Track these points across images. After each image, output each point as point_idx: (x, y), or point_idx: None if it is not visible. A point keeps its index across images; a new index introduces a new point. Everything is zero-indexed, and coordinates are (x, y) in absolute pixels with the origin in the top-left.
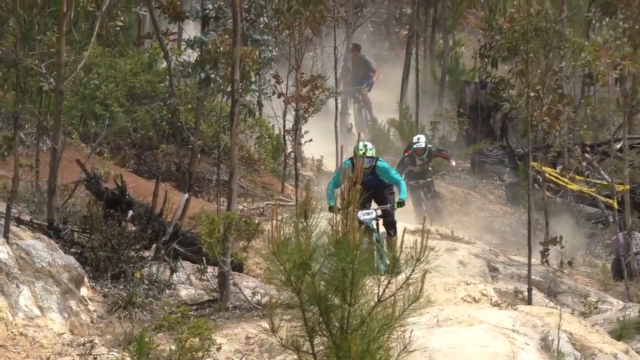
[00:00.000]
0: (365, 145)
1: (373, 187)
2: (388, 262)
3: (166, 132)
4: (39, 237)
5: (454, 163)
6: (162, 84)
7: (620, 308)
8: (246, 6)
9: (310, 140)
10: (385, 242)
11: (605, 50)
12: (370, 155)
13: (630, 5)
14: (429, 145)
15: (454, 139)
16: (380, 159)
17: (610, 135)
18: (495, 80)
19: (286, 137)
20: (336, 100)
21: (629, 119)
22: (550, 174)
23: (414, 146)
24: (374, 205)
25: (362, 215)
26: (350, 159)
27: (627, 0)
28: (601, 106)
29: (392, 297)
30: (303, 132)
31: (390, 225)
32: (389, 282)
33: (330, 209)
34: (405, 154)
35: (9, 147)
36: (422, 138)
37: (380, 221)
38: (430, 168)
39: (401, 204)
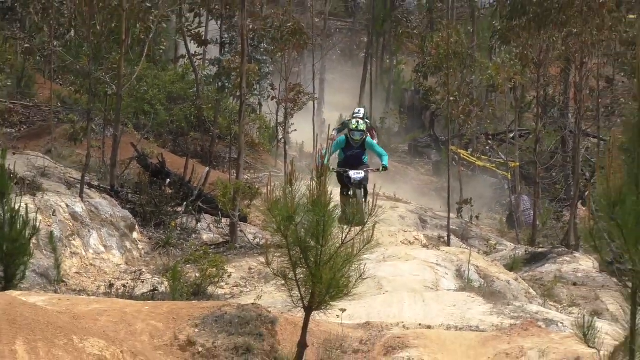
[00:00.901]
0: (357, 122)
1: (356, 160)
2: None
3: (194, 123)
4: (104, 197)
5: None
6: (191, 90)
7: (512, 249)
8: (251, 35)
9: (295, 130)
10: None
11: (503, 68)
12: (362, 129)
13: (519, 37)
14: (367, 120)
15: (397, 130)
16: (368, 135)
17: (506, 128)
18: (426, 88)
19: (278, 127)
20: (314, 102)
21: (519, 116)
22: (463, 155)
23: (354, 116)
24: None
25: (354, 174)
26: (345, 135)
27: (517, 33)
28: (499, 107)
29: (352, 241)
30: (290, 124)
31: (365, 190)
32: (349, 230)
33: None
34: (348, 119)
35: (84, 133)
36: (362, 111)
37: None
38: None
39: (385, 168)
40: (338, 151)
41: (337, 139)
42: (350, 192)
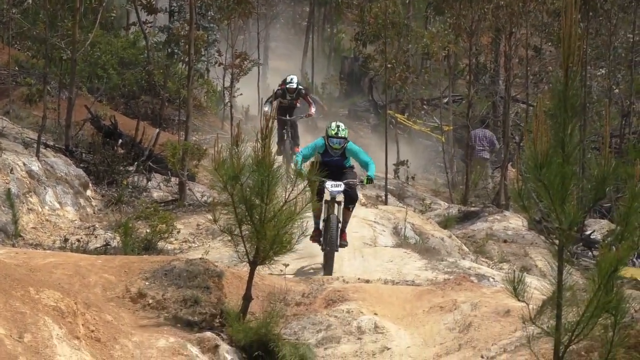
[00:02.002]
0: (338, 126)
1: (336, 166)
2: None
3: (144, 87)
4: (59, 156)
5: (313, 110)
6: (141, 56)
7: (445, 207)
8: (199, 4)
9: (241, 94)
10: (341, 212)
11: (437, 37)
12: (343, 136)
13: (452, 8)
14: (300, 87)
15: (337, 95)
16: (350, 141)
17: (440, 93)
18: (365, 56)
19: (224, 92)
20: (258, 68)
21: (452, 83)
22: (400, 118)
23: (287, 86)
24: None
25: (331, 186)
26: (323, 137)
27: (451, 4)
28: (434, 74)
29: (295, 199)
30: (236, 89)
31: (351, 199)
32: (292, 189)
33: (297, 173)
34: (279, 88)
35: (40, 96)
36: (295, 79)
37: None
38: (298, 105)
39: (370, 180)
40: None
41: (315, 142)
42: (324, 203)
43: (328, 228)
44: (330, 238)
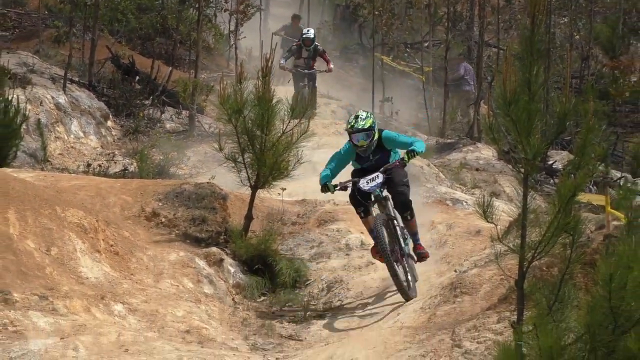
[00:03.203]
0: (356, 117)
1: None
2: (416, 276)
3: (159, 30)
4: (83, 91)
5: (332, 66)
6: (157, 2)
7: (425, 139)
8: None
9: (245, 37)
10: (404, 227)
11: None
12: (365, 127)
13: None
14: (317, 44)
15: (330, 39)
16: (383, 129)
17: (421, 38)
18: (355, 4)
19: (230, 35)
20: (260, 13)
21: (432, 28)
22: (385, 60)
23: (303, 36)
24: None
25: (365, 183)
26: (349, 141)
27: None
28: (416, 21)
29: (291, 131)
30: (240, 32)
31: (404, 206)
32: (289, 121)
33: (323, 187)
34: (294, 44)
35: (66, 37)
36: (312, 31)
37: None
38: (315, 68)
39: (412, 154)
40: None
41: (340, 150)
42: (373, 211)
43: (377, 233)
44: (381, 245)
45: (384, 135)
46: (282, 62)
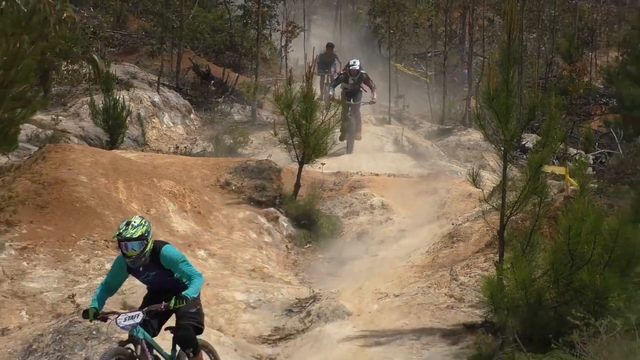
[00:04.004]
0: (128, 223)
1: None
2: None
3: (228, 46)
4: (172, 92)
5: (375, 96)
6: (226, 25)
7: (429, 126)
8: None
9: (292, 50)
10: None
11: (423, 13)
12: (132, 235)
13: None
14: (362, 71)
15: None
16: (166, 244)
17: (425, 50)
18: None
19: (282, 49)
20: (304, 33)
21: (434, 42)
22: (399, 67)
23: (349, 67)
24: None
25: (123, 320)
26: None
27: None
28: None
29: (328, 120)
30: (289, 47)
31: (186, 342)
32: (327, 113)
33: (84, 313)
34: (341, 73)
35: (159, 51)
36: (358, 62)
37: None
38: (362, 89)
39: (182, 300)
40: None
41: (114, 262)
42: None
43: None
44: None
45: (163, 252)
46: (330, 92)
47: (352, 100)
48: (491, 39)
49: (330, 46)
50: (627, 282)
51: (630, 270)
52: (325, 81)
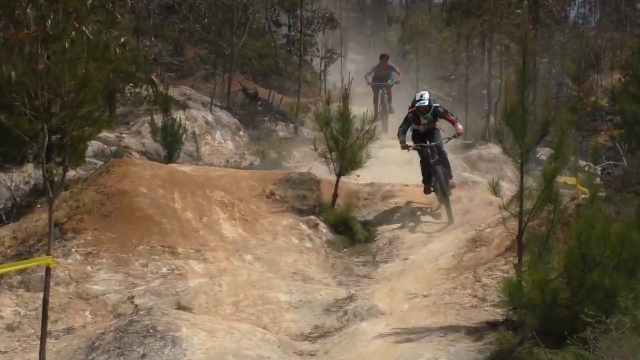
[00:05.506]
0: (422, 96)
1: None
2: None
3: (274, 70)
4: (223, 111)
5: (460, 127)
6: (272, 52)
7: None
8: (305, 21)
9: (331, 74)
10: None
11: (447, 40)
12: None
13: (456, 22)
14: (435, 104)
15: None
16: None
17: (449, 73)
18: (405, 50)
19: (321, 73)
20: (341, 59)
21: (456, 66)
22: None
23: (417, 104)
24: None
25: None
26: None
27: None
28: (446, 61)
29: (363, 136)
30: (328, 71)
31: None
32: (361, 130)
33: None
34: (410, 111)
35: (212, 75)
36: (426, 95)
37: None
38: (439, 129)
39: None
40: None
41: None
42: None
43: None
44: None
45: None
46: (400, 137)
47: (428, 142)
48: (508, 63)
49: (384, 57)
50: (635, 283)
51: (636, 272)
52: (380, 98)
